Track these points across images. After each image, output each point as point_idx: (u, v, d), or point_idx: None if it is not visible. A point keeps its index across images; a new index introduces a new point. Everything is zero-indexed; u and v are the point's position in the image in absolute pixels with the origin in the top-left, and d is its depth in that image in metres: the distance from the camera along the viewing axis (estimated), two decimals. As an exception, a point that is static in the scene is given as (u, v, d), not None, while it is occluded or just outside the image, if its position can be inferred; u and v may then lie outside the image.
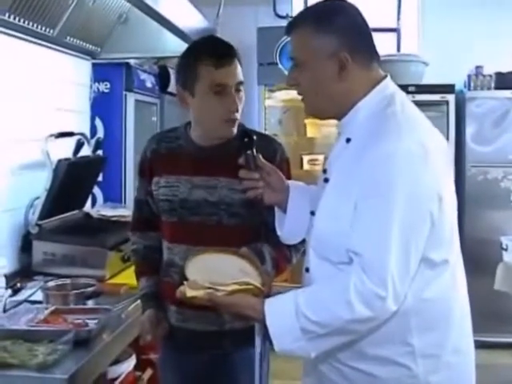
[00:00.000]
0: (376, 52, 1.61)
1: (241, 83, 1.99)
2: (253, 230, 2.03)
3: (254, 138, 1.79)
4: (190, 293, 1.54)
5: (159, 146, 2.11)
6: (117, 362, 2.44)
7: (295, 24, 1.59)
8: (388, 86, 1.58)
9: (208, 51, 1.96)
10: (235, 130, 2.01)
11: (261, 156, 1.77)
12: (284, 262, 2.01)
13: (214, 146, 2.04)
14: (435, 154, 1.47)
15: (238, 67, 1.98)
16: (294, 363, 1.75)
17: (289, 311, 1.45)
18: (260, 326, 1.58)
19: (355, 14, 1.58)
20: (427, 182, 1.44)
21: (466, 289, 1.61)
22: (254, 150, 1.75)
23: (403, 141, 1.43)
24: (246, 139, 1.78)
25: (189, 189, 2.03)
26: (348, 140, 1.55)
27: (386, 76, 1.60)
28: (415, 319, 1.48)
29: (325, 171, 1.63)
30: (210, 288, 1.54)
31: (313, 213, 1.64)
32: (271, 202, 1.77)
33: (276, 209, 1.79)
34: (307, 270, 1.60)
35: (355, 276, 1.41)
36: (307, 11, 1.63)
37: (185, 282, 1.57)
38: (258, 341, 1.52)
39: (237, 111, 1.97)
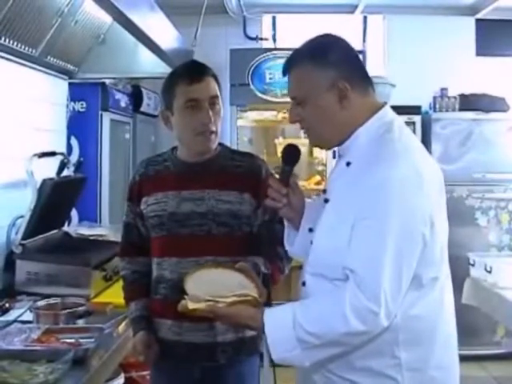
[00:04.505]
0: (369, 78, 1.69)
1: (215, 97, 2.09)
2: (241, 240, 2.10)
3: (300, 157, 1.81)
4: (191, 305, 1.59)
5: (147, 170, 2.19)
6: (107, 380, 2.44)
7: (292, 64, 1.65)
8: (387, 113, 1.66)
9: (183, 72, 2.11)
10: (212, 144, 2.10)
11: (297, 181, 1.82)
12: (278, 274, 2.09)
13: (200, 162, 2.12)
14: (429, 180, 1.55)
15: (212, 84, 2.09)
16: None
17: (286, 321, 1.52)
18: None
19: (346, 45, 1.66)
20: (420, 206, 1.51)
21: (453, 307, 1.68)
22: (293, 169, 1.78)
23: (399, 167, 1.50)
24: (291, 154, 1.80)
25: (177, 202, 2.09)
26: (348, 164, 1.62)
27: (385, 103, 1.67)
28: (403, 334, 1.54)
29: (325, 191, 1.71)
30: (210, 300, 1.59)
31: (311, 229, 1.70)
32: (286, 217, 1.82)
33: (287, 224, 1.84)
34: (303, 283, 1.66)
35: (350, 291, 1.47)
36: (301, 50, 1.67)
37: (185, 296, 1.62)
38: (265, 350, 1.58)
39: (210, 123, 2.05)
